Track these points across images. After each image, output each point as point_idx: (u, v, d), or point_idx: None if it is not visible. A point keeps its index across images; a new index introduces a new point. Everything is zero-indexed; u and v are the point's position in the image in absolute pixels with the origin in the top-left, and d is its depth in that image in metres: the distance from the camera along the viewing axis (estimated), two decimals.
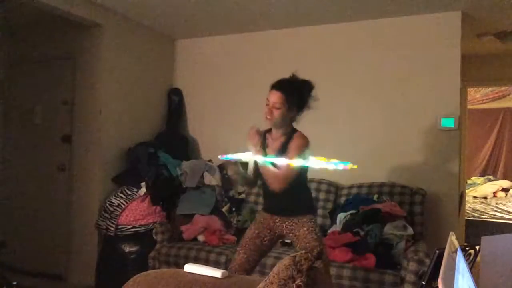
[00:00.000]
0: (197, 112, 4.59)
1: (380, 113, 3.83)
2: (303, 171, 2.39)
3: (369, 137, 3.84)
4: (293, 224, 2.40)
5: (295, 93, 2.35)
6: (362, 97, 3.91)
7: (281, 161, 2.25)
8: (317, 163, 2.15)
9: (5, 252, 4.04)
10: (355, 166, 2.04)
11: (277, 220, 2.45)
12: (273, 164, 2.29)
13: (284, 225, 2.43)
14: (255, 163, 2.45)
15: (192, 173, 4.04)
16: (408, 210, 3.37)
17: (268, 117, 2.34)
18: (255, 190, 3.83)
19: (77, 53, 3.99)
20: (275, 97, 2.32)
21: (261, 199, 3.78)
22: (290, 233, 2.42)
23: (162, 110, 4.55)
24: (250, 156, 2.40)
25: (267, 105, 2.34)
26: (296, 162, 2.21)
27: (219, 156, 2.33)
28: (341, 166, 2.04)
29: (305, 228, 2.37)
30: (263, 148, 2.44)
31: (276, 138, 2.43)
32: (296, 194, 2.42)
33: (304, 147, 2.30)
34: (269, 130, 2.48)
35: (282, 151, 2.35)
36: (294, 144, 2.32)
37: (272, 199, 2.49)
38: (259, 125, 2.50)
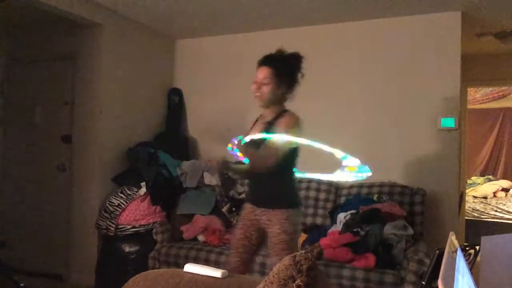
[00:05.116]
0: (197, 112, 4.58)
1: (380, 113, 3.83)
2: (290, 158, 2.23)
3: (369, 137, 3.84)
4: (271, 220, 2.24)
5: (284, 67, 2.24)
6: (362, 97, 3.91)
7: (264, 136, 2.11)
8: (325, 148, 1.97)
9: (5, 252, 4.03)
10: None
11: (257, 213, 2.31)
12: (257, 145, 2.18)
13: (262, 219, 2.28)
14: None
15: (192, 173, 4.04)
16: (408, 210, 3.37)
17: (257, 93, 2.23)
18: None
19: (77, 53, 3.98)
20: (263, 72, 2.22)
21: None
22: (267, 228, 2.27)
23: (162, 110, 4.55)
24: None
25: (255, 82, 2.24)
26: (283, 137, 2.06)
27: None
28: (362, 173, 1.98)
29: (278, 226, 2.20)
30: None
31: (265, 117, 2.31)
32: (279, 183, 2.25)
33: (292, 125, 2.15)
34: (260, 116, 2.36)
35: (268, 128, 2.22)
36: (282, 121, 2.19)
37: (254, 186, 2.39)
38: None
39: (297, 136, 2.09)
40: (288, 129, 2.12)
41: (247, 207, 2.40)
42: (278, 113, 2.26)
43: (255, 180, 2.32)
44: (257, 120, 2.42)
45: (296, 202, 2.33)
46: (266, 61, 2.26)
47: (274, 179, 2.21)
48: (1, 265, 3.28)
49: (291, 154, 2.24)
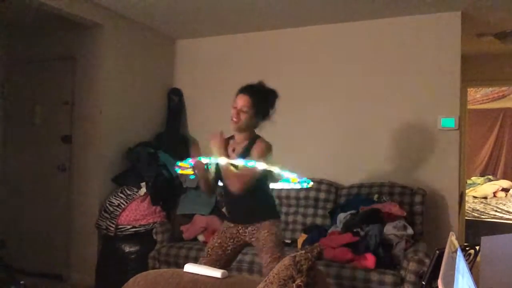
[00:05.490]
0: (197, 112, 4.58)
1: (380, 113, 3.83)
2: (264, 176, 2.39)
3: (369, 137, 3.84)
4: (255, 229, 2.40)
5: (263, 99, 2.38)
6: (362, 96, 3.91)
7: (243, 162, 2.25)
8: (285, 178, 2.24)
9: (5, 252, 4.04)
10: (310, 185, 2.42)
11: (239, 228, 2.46)
12: (235, 166, 2.31)
13: (247, 231, 2.43)
14: (217, 166, 2.43)
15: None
16: (408, 210, 3.36)
17: (235, 119, 2.35)
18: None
19: (77, 53, 3.99)
20: (244, 100, 2.34)
21: None
22: (252, 237, 2.42)
23: (162, 110, 4.54)
24: (211, 160, 2.39)
25: (235, 107, 2.36)
26: (259, 165, 2.20)
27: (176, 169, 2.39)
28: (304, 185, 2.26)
29: (266, 231, 2.36)
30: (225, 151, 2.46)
31: (239, 142, 2.44)
32: (258, 199, 2.42)
33: (267, 151, 2.33)
34: (231, 137, 2.49)
35: (245, 154, 2.36)
36: (256, 148, 2.35)
37: (234, 205, 2.51)
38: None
39: (268, 161, 2.27)
40: (260, 157, 2.29)
41: (227, 224, 2.53)
42: (251, 139, 2.41)
43: (235, 199, 2.42)
44: (229, 141, 2.49)
45: (277, 213, 2.56)
46: (247, 90, 2.38)
47: (252, 197, 2.36)
48: (2, 264, 3.29)
49: (266, 174, 2.40)
